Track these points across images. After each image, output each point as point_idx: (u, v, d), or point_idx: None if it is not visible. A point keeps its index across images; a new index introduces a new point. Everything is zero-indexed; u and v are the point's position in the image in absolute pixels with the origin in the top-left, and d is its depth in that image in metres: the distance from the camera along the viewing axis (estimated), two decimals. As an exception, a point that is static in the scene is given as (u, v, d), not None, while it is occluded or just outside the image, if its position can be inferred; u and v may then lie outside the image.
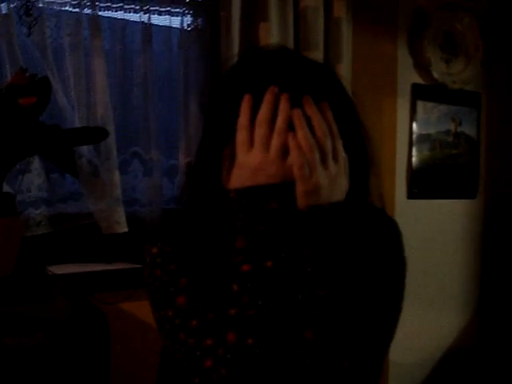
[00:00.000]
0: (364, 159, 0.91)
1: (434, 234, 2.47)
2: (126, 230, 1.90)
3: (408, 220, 2.32)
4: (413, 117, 2.35)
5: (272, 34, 1.88)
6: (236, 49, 1.89)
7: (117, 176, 1.89)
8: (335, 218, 0.79)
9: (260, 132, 0.78)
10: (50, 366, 1.36)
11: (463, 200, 2.55)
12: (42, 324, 1.41)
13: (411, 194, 2.37)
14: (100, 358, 1.40)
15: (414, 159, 2.36)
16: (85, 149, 1.84)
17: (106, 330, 1.43)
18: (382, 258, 0.91)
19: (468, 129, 2.48)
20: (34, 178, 1.84)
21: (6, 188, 1.66)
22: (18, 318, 1.43)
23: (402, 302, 0.93)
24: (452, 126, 2.43)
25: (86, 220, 1.92)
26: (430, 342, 2.47)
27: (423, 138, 2.37)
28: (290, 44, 1.90)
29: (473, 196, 2.55)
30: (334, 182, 0.80)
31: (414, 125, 2.35)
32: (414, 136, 2.36)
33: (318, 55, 1.92)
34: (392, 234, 0.96)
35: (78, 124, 1.85)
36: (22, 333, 1.39)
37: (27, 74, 1.62)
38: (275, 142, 0.78)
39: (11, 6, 1.74)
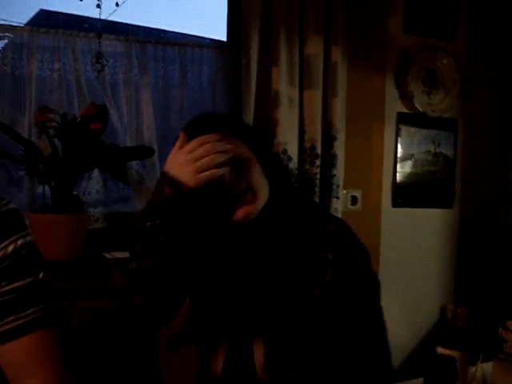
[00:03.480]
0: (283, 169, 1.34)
1: (416, 238, 2.74)
2: (164, 226, 2.25)
3: (393, 225, 2.70)
4: (397, 139, 2.64)
5: (281, 75, 2.20)
6: (253, 86, 2.20)
7: (158, 184, 2.25)
8: None
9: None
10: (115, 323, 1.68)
11: (441, 209, 2.80)
12: (106, 292, 1.73)
13: (395, 203, 2.67)
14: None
15: (398, 174, 2.65)
16: (134, 162, 2.15)
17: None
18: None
19: (446, 149, 2.74)
20: (94, 185, 2.14)
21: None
22: (86, 288, 1.77)
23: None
24: (432, 147, 2.71)
25: (134, 218, 2.14)
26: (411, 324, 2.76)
27: (406, 157, 2.66)
28: (296, 83, 2.23)
29: (449, 206, 2.80)
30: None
31: (399, 146, 2.65)
32: (399, 155, 2.65)
33: (318, 92, 2.24)
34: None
35: (128, 143, 2.16)
36: (91, 298, 1.71)
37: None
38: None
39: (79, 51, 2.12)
